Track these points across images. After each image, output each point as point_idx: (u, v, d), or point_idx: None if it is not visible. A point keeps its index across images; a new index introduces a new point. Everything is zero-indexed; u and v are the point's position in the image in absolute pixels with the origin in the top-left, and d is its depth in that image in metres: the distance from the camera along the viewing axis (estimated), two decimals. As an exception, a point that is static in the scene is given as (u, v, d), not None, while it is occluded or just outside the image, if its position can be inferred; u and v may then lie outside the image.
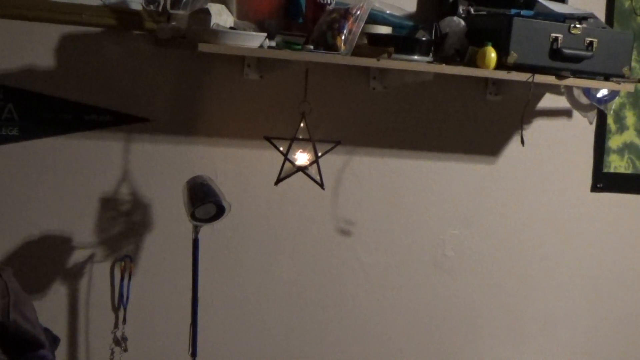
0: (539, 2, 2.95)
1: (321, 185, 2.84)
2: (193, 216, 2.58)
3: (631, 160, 3.50)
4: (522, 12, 2.85)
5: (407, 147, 3.15)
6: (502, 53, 2.79)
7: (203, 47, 2.46)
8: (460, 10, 2.91)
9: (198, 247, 2.66)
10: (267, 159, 2.88)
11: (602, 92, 3.27)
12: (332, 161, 2.99)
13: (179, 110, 2.82)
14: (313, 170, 2.83)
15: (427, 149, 3.18)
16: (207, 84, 2.83)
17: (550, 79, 2.90)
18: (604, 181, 3.46)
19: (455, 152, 3.22)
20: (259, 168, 2.92)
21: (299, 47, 2.58)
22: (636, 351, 3.58)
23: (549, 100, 3.32)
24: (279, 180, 2.82)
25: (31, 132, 2.65)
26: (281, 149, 2.80)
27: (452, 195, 3.26)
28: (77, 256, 2.76)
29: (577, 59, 2.90)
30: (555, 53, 2.85)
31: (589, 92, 3.28)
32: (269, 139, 2.81)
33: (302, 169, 2.81)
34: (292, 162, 2.80)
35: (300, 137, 2.79)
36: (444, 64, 2.79)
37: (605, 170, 3.46)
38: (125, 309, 2.80)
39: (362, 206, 3.14)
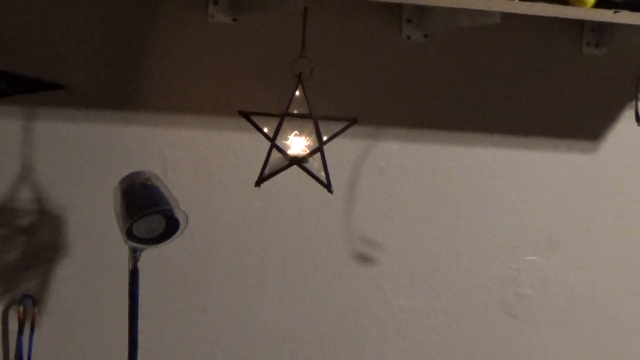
0: None
1: (328, 186, 2.51)
2: (130, 234, 2.33)
3: None
4: None
5: (459, 128, 2.84)
6: (607, -18, 2.58)
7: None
8: None
9: (137, 280, 2.37)
10: (244, 145, 2.64)
11: None
12: (345, 149, 2.71)
13: (109, 72, 2.58)
14: (315, 164, 2.54)
15: (490, 131, 2.86)
16: (152, 31, 2.59)
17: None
18: None
19: (534, 134, 2.90)
20: (232, 160, 2.66)
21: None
22: None
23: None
24: (262, 179, 2.50)
25: None
26: (265, 130, 2.50)
27: (529, 201, 2.93)
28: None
29: None
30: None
31: None
32: (246, 115, 2.50)
33: (298, 161, 2.51)
34: (282, 151, 2.49)
35: (296, 112, 2.49)
36: (517, -1, 2.52)
37: None
38: (26, 376, 2.53)
39: (391, 219, 2.84)
